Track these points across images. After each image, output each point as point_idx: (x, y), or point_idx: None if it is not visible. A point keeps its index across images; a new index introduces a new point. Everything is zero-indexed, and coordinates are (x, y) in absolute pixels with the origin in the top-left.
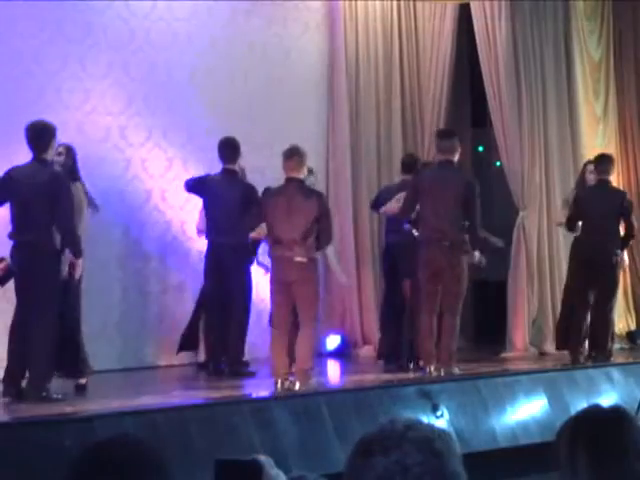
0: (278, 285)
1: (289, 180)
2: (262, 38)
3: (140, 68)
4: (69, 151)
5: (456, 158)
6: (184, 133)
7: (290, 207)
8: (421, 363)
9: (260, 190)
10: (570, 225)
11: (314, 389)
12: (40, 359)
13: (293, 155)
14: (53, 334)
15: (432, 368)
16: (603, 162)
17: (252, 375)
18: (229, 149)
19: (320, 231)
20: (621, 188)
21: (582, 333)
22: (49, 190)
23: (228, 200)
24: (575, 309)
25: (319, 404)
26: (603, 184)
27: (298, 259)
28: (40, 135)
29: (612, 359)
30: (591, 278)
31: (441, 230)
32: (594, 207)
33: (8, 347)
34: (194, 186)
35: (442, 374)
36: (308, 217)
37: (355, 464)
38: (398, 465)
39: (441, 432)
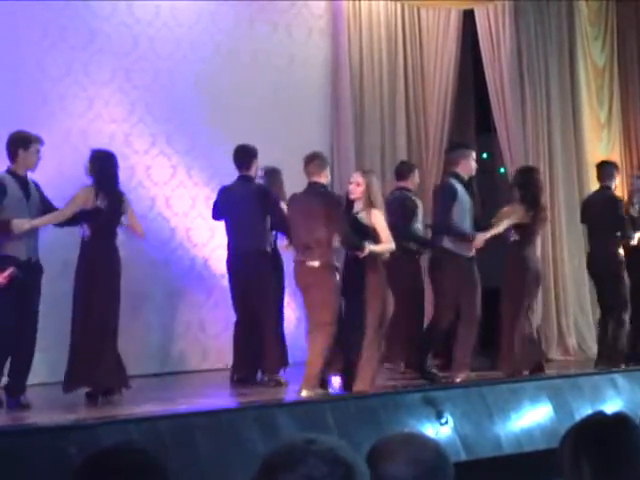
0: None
1: (308, 185)
2: (266, 44)
3: (144, 75)
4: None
5: (460, 169)
6: (188, 140)
7: (305, 211)
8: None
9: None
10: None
11: (319, 397)
12: (18, 367)
13: (313, 159)
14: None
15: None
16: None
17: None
18: (237, 157)
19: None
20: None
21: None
22: None
23: (241, 205)
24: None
25: (324, 411)
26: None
27: (310, 264)
28: (7, 145)
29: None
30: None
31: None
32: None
33: None
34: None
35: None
36: (319, 219)
37: None
38: (306, 479)
39: (341, 442)
